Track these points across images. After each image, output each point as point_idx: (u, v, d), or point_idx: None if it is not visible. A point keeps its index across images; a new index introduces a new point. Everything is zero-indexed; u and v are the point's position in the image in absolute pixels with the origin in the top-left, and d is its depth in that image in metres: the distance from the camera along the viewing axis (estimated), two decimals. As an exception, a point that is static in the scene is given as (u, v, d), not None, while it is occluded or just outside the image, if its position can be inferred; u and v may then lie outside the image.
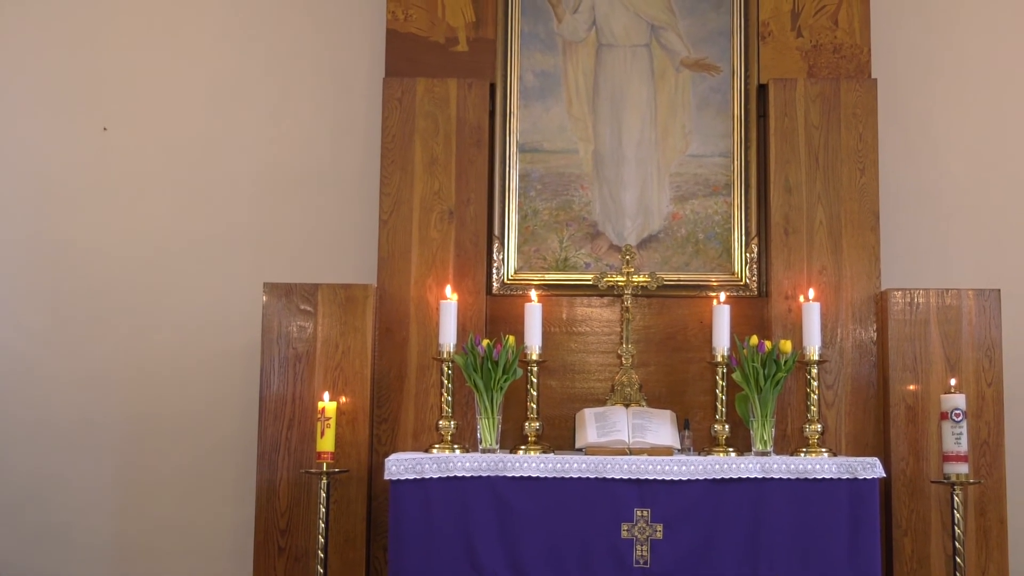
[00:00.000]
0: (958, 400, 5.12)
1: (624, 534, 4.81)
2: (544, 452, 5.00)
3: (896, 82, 5.94)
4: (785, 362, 5.08)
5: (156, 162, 6.01)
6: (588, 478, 4.84)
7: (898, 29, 6.01)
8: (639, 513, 4.82)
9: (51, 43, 6.06)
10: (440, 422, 5.10)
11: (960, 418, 5.08)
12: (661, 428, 5.07)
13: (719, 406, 5.12)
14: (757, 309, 5.58)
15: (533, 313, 5.17)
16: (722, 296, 5.27)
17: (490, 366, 5.07)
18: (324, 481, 5.10)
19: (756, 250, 5.65)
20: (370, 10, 6.00)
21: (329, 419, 5.13)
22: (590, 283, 5.49)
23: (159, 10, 6.09)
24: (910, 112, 5.99)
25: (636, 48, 5.76)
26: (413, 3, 5.69)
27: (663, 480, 4.82)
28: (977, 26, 6.07)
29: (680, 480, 4.83)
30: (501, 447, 5.11)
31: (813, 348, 5.14)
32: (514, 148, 5.71)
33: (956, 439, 5.07)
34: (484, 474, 4.84)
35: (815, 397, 5.12)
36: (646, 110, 5.73)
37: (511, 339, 5.13)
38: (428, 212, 5.57)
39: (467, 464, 4.85)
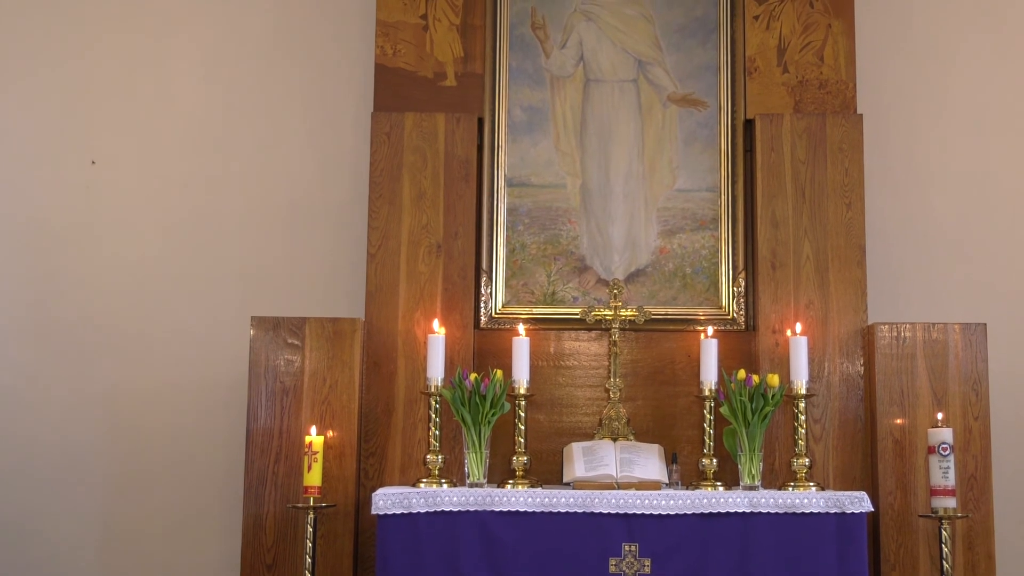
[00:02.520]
0: (945, 434, 5.12)
1: (612, 569, 4.79)
2: (532, 486, 4.99)
3: (881, 117, 5.97)
4: (772, 396, 5.09)
5: (144, 195, 6.01)
6: (576, 512, 4.82)
7: (883, 65, 6.05)
8: (627, 548, 4.81)
9: (39, 76, 6.06)
10: (428, 456, 5.09)
11: (947, 452, 5.09)
12: (649, 462, 5.07)
13: (707, 440, 5.12)
14: (744, 343, 5.59)
15: (521, 347, 5.17)
16: (710, 330, 5.28)
17: (478, 400, 5.07)
18: (311, 516, 5.08)
19: (743, 284, 5.66)
20: (358, 45, 6.03)
21: (316, 453, 5.11)
22: (578, 317, 5.49)
23: (147, 44, 6.10)
24: (895, 147, 6.02)
25: (623, 83, 5.79)
26: (401, 38, 5.72)
27: (651, 515, 4.81)
28: (961, 62, 6.12)
29: (668, 514, 4.81)
30: (489, 481, 5.10)
31: (800, 382, 5.14)
32: (502, 182, 5.73)
33: (943, 473, 5.08)
34: (472, 508, 4.83)
35: (803, 431, 5.12)
36: (633, 145, 5.76)
37: (499, 373, 5.13)
38: (416, 246, 5.58)
39: (455, 498, 4.83)
